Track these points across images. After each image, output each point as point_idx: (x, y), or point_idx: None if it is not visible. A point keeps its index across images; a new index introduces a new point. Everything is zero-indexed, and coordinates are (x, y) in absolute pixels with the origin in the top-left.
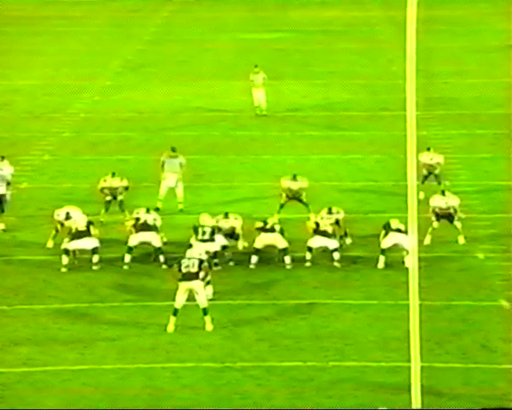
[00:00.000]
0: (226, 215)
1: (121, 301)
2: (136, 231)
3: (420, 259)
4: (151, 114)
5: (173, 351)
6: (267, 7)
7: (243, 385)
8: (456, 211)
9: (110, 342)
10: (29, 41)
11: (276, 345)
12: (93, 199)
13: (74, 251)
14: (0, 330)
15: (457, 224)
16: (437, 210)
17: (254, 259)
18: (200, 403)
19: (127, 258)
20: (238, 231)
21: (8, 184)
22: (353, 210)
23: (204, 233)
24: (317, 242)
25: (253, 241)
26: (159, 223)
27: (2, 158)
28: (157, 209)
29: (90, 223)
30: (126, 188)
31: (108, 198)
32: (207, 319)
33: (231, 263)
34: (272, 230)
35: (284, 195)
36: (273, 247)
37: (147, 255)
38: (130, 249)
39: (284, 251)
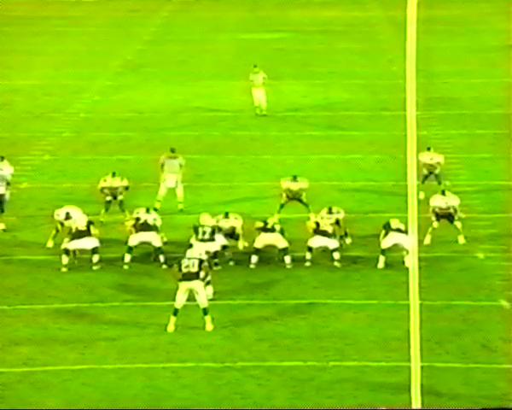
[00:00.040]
0: (226, 215)
1: (121, 301)
2: (137, 231)
3: (420, 259)
4: (151, 114)
5: (173, 351)
6: (267, 7)
7: (243, 385)
8: (456, 211)
9: (110, 342)
10: (29, 41)
11: (276, 345)
12: (93, 199)
13: (74, 251)
14: (0, 330)
15: (457, 224)
16: (437, 210)
17: (254, 259)
18: (200, 403)
19: (127, 258)
20: (238, 230)
21: (8, 184)
22: (353, 210)
23: (204, 233)
24: (317, 242)
25: (253, 241)
26: (159, 223)
27: (2, 158)
28: (155, 210)
29: (90, 223)
30: (126, 188)
31: (108, 198)
32: (207, 318)
33: (231, 263)
34: (272, 230)
35: (284, 195)
36: (273, 247)
37: (147, 255)
38: (130, 249)
39: (284, 251)
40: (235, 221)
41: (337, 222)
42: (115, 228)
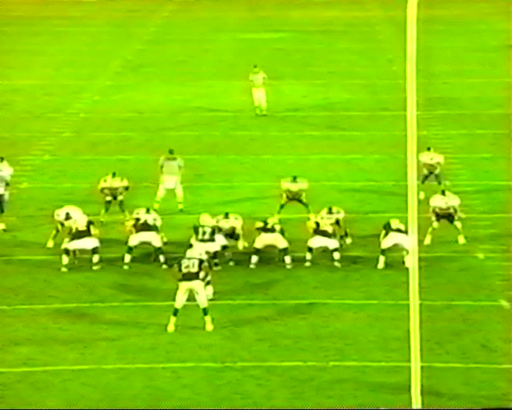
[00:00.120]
0: (226, 215)
1: (121, 301)
2: (137, 231)
3: (420, 259)
4: (151, 114)
5: (173, 351)
6: (267, 7)
7: (243, 385)
8: (456, 211)
9: (110, 342)
10: (29, 41)
11: (276, 345)
12: (93, 199)
13: (74, 251)
14: (0, 330)
15: (457, 224)
16: (437, 210)
17: (254, 259)
18: (200, 403)
19: (127, 258)
20: (238, 231)
21: (7, 184)
22: (353, 210)
23: (204, 233)
24: (317, 242)
25: (253, 241)
26: (159, 223)
27: (2, 159)
28: (154, 210)
29: (90, 223)
30: (126, 188)
31: (108, 198)
32: (207, 319)
33: (231, 263)
34: (272, 230)
35: (284, 196)
36: (273, 247)
37: (147, 255)
38: (130, 249)
39: (284, 251)
40: (235, 221)
41: (337, 222)
42: (115, 228)
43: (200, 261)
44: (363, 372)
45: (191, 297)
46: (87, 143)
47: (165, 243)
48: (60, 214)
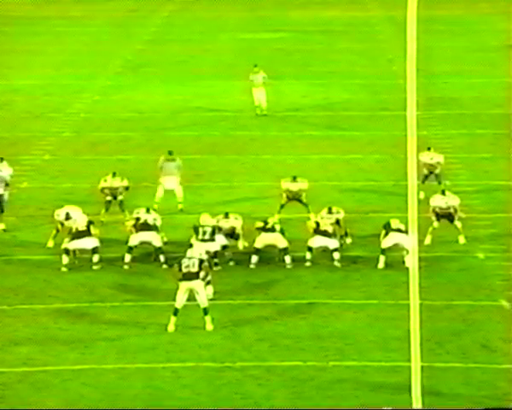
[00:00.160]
0: (226, 215)
1: (121, 301)
2: (137, 231)
3: (420, 259)
4: (151, 114)
5: (173, 351)
6: (267, 7)
7: (243, 385)
8: (456, 211)
9: (110, 342)
10: (29, 41)
11: (276, 345)
12: (93, 199)
13: (74, 251)
14: (0, 330)
15: (458, 223)
16: (437, 210)
17: (254, 259)
18: (200, 403)
19: (127, 258)
20: (238, 230)
21: (7, 185)
22: (353, 210)
23: (204, 233)
24: (317, 241)
25: (254, 241)
26: (159, 223)
27: (2, 160)
28: (154, 210)
29: (90, 223)
30: (126, 188)
31: (108, 198)
32: (208, 318)
33: (231, 263)
34: (272, 230)
35: (284, 196)
36: (273, 247)
37: (147, 255)
38: (130, 249)
39: (284, 251)
40: (235, 221)
41: (337, 222)
42: (115, 228)
43: (201, 261)
44: (363, 372)
45: (191, 297)
46: (87, 143)
47: (165, 243)
48: (60, 214)
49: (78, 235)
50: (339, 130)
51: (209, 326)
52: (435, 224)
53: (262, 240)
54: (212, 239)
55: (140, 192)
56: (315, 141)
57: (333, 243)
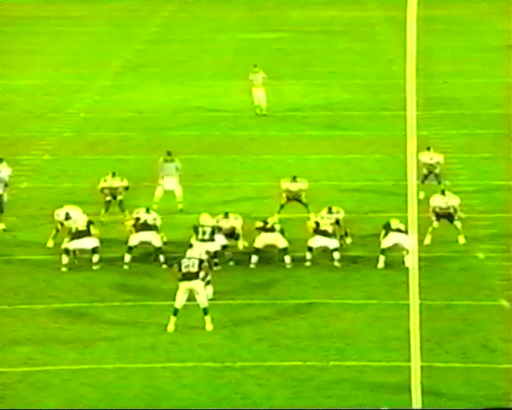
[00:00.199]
0: (226, 215)
1: (121, 301)
2: (136, 231)
3: (420, 258)
4: (151, 114)
5: (173, 351)
6: (267, 7)
7: (243, 385)
8: (456, 211)
9: (110, 341)
10: (29, 41)
11: (276, 345)
12: (93, 199)
13: (74, 251)
14: (0, 329)
15: (457, 223)
16: (437, 210)
17: (254, 259)
18: (200, 403)
19: (127, 258)
20: (238, 230)
21: (6, 185)
22: (353, 210)
23: (204, 233)
24: (317, 241)
25: (253, 241)
26: (159, 223)
27: (1, 160)
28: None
29: (90, 223)
30: (126, 188)
31: (108, 198)
32: (207, 318)
33: (231, 263)
34: (272, 229)
35: (284, 196)
36: (273, 247)
37: (147, 255)
38: (130, 249)
39: (284, 251)
40: (235, 221)
41: (337, 222)
42: (115, 228)
43: (200, 261)
44: (363, 372)
45: (191, 297)
46: (87, 143)
47: (165, 243)
48: (60, 214)
49: (78, 235)
50: (339, 130)
51: (209, 326)
52: (435, 224)
53: (262, 240)
54: (211, 239)
55: (140, 192)
56: (315, 141)
57: (333, 243)
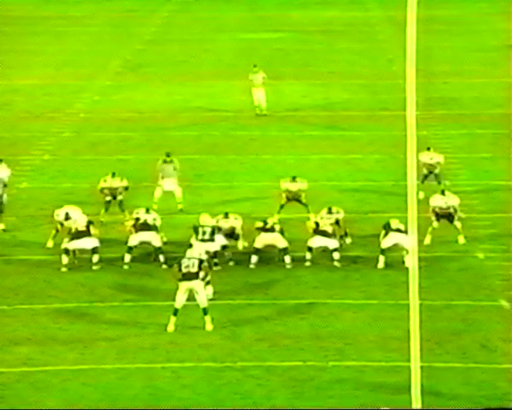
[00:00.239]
0: (226, 215)
1: (121, 301)
2: (136, 231)
3: (420, 259)
4: (151, 114)
5: (173, 351)
6: (267, 7)
7: (243, 385)
8: (456, 211)
9: (110, 342)
10: (29, 41)
11: (276, 345)
12: (93, 199)
13: (74, 251)
14: (0, 329)
15: (457, 224)
16: (437, 210)
17: (254, 259)
18: (200, 403)
19: (127, 258)
20: (238, 230)
21: (5, 186)
22: (353, 210)
23: (204, 233)
24: (317, 242)
25: (253, 241)
26: (158, 223)
27: (0, 161)
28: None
29: (89, 223)
30: (126, 188)
31: (108, 198)
32: (207, 318)
33: (231, 263)
34: (272, 230)
35: (284, 196)
36: (273, 247)
37: (147, 255)
38: (130, 249)
39: (284, 251)
40: (234, 221)
41: (337, 222)
42: (115, 228)
43: (200, 261)
44: (363, 372)
45: (191, 297)
46: (87, 143)
47: (164, 243)
48: (59, 214)
49: (78, 235)
50: (339, 130)
51: (209, 326)
52: (435, 224)
53: (262, 240)
54: (211, 239)
55: (140, 192)
56: (315, 141)
57: (333, 243)
